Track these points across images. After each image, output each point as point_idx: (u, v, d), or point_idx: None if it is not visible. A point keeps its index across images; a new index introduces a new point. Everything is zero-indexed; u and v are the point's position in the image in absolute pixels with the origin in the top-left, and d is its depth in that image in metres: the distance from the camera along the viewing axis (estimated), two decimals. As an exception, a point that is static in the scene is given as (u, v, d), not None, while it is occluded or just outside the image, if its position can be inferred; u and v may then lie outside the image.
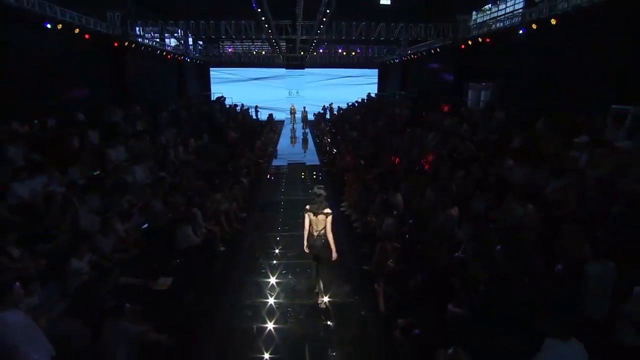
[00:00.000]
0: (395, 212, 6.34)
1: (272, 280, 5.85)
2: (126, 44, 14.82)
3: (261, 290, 5.59)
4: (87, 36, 12.05)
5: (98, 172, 7.49)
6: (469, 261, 4.17)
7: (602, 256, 3.41)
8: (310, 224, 5.00)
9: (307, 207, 5.01)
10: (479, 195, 6.15)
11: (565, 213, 4.95)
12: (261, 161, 13.08)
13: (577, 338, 2.63)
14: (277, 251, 6.87)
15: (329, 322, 4.86)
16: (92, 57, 13.52)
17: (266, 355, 4.35)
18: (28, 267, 4.26)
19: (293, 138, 19.84)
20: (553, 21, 10.35)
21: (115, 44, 14.40)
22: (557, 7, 10.44)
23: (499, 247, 4.07)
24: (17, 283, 3.21)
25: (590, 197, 5.27)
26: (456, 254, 4.85)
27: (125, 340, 3.94)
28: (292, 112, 23.82)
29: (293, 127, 22.70)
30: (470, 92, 14.93)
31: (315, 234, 4.96)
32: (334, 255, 5.02)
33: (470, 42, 14.98)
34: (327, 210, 4.92)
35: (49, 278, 4.39)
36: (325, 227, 4.93)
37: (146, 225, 6.31)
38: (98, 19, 13.24)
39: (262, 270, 6.14)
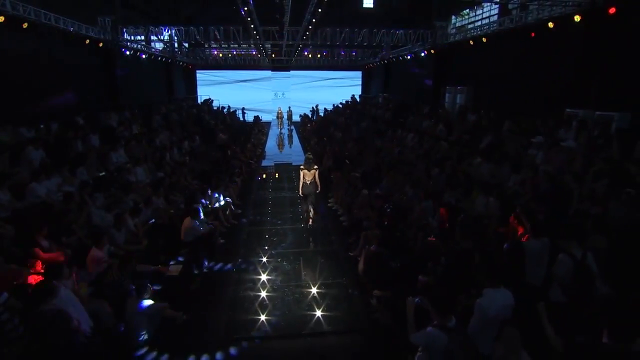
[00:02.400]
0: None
1: (268, 267, 6.55)
2: (117, 48, 15.23)
3: (259, 276, 6.28)
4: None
5: (103, 173, 8.03)
6: (436, 242, 5.00)
7: (539, 234, 4.27)
8: (304, 177, 7.92)
9: (302, 166, 8.06)
10: (450, 190, 7.02)
11: (520, 203, 5.84)
12: (252, 162, 13.73)
13: (520, 300, 3.48)
14: (270, 242, 7.59)
15: (319, 296, 5.62)
16: (84, 61, 13.92)
17: (263, 317, 5.16)
18: (58, 257, 4.84)
19: (281, 145, 19.43)
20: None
21: (106, 49, 14.78)
22: (526, 18, 11.51)
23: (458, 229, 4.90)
24: (65, 265, 3.84)
25: (543, 190, 6.19)
26: (429, 237, 5.67)
27: (147, 315, 4.60)
28: (279, 116, 23.86)
29: (280, 133, 22.46)
30: (447, 95, 15.94)
31: (308, 181, 7.94)
32: (318, 189, 8.12)
33: (447, 48, 15.98)
34: (315, 167, 8.08)
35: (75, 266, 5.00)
36: (314, 176, 7.96)
37: (153, 221, 6.93)
38: (89, 24, 13.64)
39: (259, 259, 6.84)
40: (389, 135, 13.40)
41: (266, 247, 7.33)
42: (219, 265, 6.63)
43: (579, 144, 6.67)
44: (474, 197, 6.61)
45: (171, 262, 6.10)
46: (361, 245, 6.09)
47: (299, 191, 8.17)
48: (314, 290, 5.83)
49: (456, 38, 15.83)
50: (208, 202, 8.22)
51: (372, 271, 5.30)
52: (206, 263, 6.54)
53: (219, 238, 7.47)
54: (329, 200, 9.82)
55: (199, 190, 8.30)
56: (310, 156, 8.32)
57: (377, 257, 5.06)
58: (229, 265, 6.64)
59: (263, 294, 5.77)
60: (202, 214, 7.26)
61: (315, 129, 19.66)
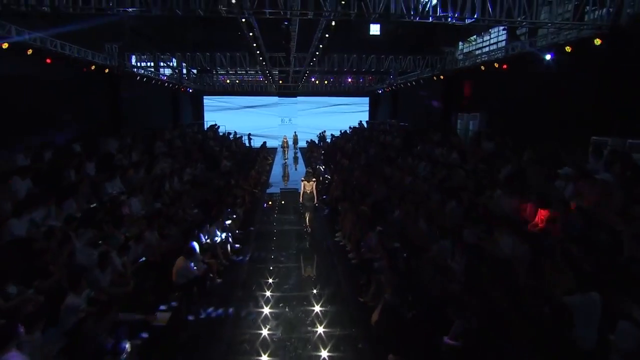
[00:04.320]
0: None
1: (269, 314, 5.84)
2: (123, 74, 15.17)
3: (258, 323, 5.59)
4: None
5: (94, 205, 7.51)
6: (462, 294, 4.30)
7: (586, 288, 3.58)
8: (304, 187, 9.42)
9: (302, 178, 9.71)
10: (470, 226, 6.32)
11: (551, 244, 5.14)
12: (255, 190, 13.18)
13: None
14: (272, 283, 6.91)
15: (325, 351, 4.88)
16: (89, 87, 13.80)
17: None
18: (25, 306, 4.23)
19: (285, 177, 18.12)
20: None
21: (112, 75, 14.70)
22: (535, 43, 11.14)
23: (488, 279, 4.22)
24: (20, 326, 3.24)
25: (575, 228, 5.48)
26: (451, 283, 4.96)
27: (124, 379, 3.94)
28: (285, 145, 23.06)
29: (285, 164, 21.20)
30: (459, 122, 15.43)
31: (308, 191, 9.41)
32: (316, 201, 9.72)
33: (456, 74, 15.64)
34: (313, 179, 9.77)
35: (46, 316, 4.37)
36: (312, 188, 9.45)
37: (143, 259, 6.32)
38: (96, 50, 13.60)
39: (259, 303, 6.15)
40: (399, 163, 12.80)
41: (267, 289, 6.66)
42: (213, 310, 5.95)
43: (615, 176, 5.99)
44: (496, 236, 5.91)
45: (160, 308, 5.45)
46: (373, 291, 5.39)
47: (299, 199, 9.68)
48: (318, 342, 5.10)
49: (466, 64, 15.51)
50: (206, 237, 7.60)
51: (385, 324, 4.60)
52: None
53: (216, 278, 6.82)
54: (336, 235, 9.15)
55: (196, 225, 7.69)
56: (310, 170, 10.94)
57: (392, 309, 4.36)
58: (225, 310, 5.95)
59: (262, 339, 5.14)
60: (197, 250, 6.62)
61: (322, 156, 19.25)
